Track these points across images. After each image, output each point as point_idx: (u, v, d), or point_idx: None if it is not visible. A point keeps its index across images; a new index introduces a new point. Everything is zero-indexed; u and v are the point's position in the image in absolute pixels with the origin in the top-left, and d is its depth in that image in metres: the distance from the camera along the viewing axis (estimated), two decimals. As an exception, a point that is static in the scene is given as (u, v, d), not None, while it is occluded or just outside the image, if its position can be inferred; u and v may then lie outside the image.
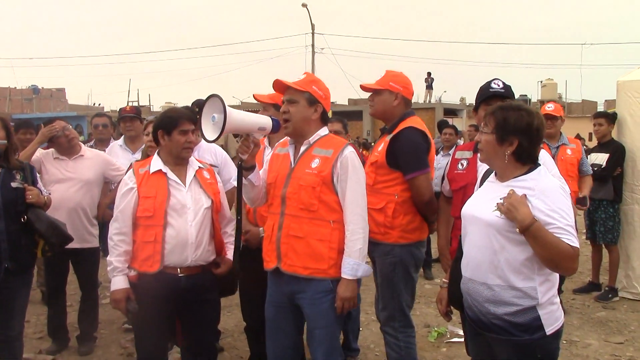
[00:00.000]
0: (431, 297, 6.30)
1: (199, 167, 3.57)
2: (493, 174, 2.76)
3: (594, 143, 6.74)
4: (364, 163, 3.45)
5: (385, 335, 3.80)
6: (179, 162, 3.47)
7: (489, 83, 3.50)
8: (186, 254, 3.35)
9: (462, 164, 3.53)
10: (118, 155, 5.52)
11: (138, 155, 5.15)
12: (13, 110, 38.55)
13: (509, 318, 2.54)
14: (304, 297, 3.14)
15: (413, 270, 3.74)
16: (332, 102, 21.52)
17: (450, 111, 32.35)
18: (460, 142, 8.33)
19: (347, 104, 38.02)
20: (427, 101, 34.41)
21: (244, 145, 3.06)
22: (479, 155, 2.83)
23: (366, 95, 3.95)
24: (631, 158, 6.37)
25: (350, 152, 3.16)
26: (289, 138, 3.32)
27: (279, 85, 3.27)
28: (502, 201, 2.51)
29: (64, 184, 4.66)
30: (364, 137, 27.51)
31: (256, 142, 3.09)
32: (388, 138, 3.68)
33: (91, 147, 5.72)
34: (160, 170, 3.42)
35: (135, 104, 34.10)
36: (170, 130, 3.41)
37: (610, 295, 6.46)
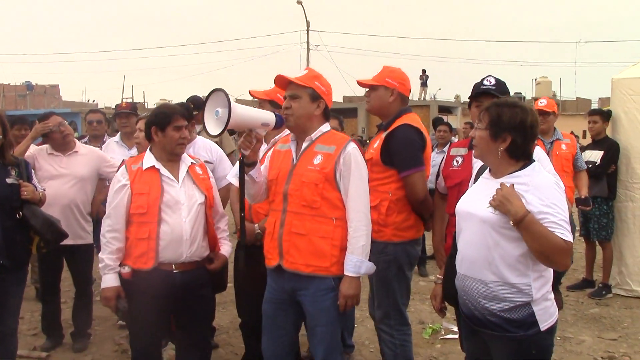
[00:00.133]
0: (425, 294, 6.31)
1: (192, 162, 3.56)
2: (487, 170, 2.77)
3: (587, 140, 6.76)
4: None
5: (381, 332, 3.78)
6: (172, 158, 3.46)
7: (482, 80, 3.50)
8: (181, 250, 3.35)
9: (457, 161, 3.52)
10: (114, 151, 5.50)
11: (134, 152, 5.13)
12: (7, 106, 38.32)
13: (504, 314, 2.55)
14: (305, 294, 3.12)
15: (407, 269, 3.72)
16: (327, 99, 21.39)
17: (445, 109, 32.28)
18: (455, 139, 8.35)
19: (342, 101, 37.97)
20: (422, 99, 34.35)
21: (246, 141, 3.03)
22: (474, 151, 2.83)
23: (361, 92, 3.94)
24: (625, 155, 6.40)
25: (352, 148, 3.14)
26: (290, 134, 3.30)
27: (281, 81, 3.23)
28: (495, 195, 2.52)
29: (58, 180, 4.65)
30: (358, 135, 27.47)
31: (259, 138, 3.06)
32: (384, 135, 3.67)
33: (85, 143, 5.71)
34: (153, 166, 3.41)
35: (130, 100, 33.98)
36: (164, 127, 3.40)
37: (603, 292, 6.49)
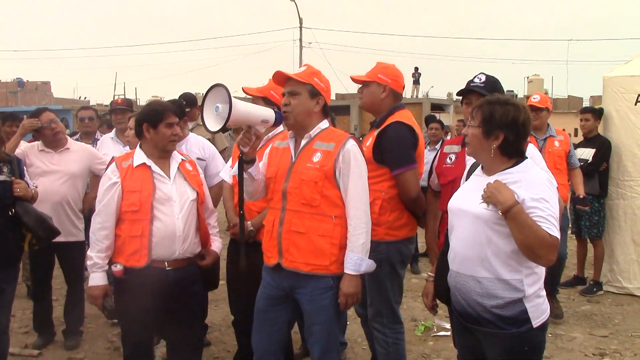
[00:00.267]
0: (418, 291, 6.31)
1: (182, 159, 3.55)
2: (479, 167, 2.77)
3: (579, 138, 6.78)
4: None
5: (374, 331, 3.76)
6: (163, 155, 3.45)
7: (474, 77, 3.49)
8: (174, 247, 3.34)
9: (450, 158, 3.52)
10: (109, 147, 5.48)
11: (129, 148, 5.12)
12: (-3, 103, 38.16)
13: (497, 311, 2.55)
14: (303, 292, 3.10)
15: (400, 267, 3.70)
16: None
17: (437, 106, 32.38)
18: (448, 137, 8.36)
19: (334, 98, 37.97)
20: (415, 96, 34.45)
21: (245, 138, 3.00)
22: (466, 149, 2.84)
23: (353, 89, 3.96)
24: (617, 153, 6.43)
25: (352, 145, 3.11)
26: (288, 131, 3.27)
27: (279, 77, 3.20)
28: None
29: (49, 176, 4.63)
30: (351, 132, 27.50)
31: (258, 135, 3.03)
32: (376, 133, 3.65)
33: (77, 140, 5.68)
34: (144, 163, 3.39)
35: (123, 97, 33.85)
36: (156, 124, 3.39)
37: (595, 289, 6.52)
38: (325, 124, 3.22)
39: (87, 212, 4.85)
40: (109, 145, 5.59)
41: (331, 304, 3.08)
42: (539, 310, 2.58)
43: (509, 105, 2.63)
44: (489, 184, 2.53)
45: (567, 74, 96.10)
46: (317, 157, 3.08)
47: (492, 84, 3.42)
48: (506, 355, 2.60)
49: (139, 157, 3.41)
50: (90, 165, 4.86)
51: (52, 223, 3.86)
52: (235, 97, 2.82)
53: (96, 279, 3.36)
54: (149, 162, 3.40)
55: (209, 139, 4.96)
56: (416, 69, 35.70)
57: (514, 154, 2.63)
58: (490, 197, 2.50)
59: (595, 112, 6.65)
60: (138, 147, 3.49)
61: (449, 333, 4.88)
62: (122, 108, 5.84)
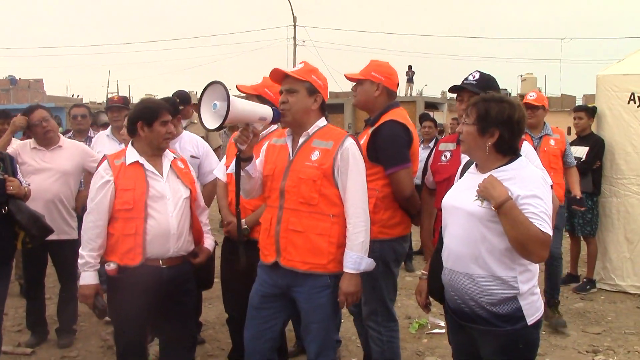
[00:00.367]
0: (412, 289, 6.27)
1: (173, 157, 3.54)
2: (474, 165, 2.77)
3: (572, 137, 6.79)
4: None
5: (368, 329, 3.76)
6: (156, 153, 3.43)
7: (468, 75, 3.49)
8: (168, 245, 3.33)
9: (445, 156, 3.52)
10: (105, 145, 5.45)
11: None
12: (-11, 101, 37.98)
13: (492, 309, 2.56)
14: (300, 291, 3.09)
15: (394, 266, 3.70)
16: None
17: (431, 105, 32.43)
18: (442, 135, 8.37)
19: (328, 96, 37.99)
20: (408, 94, 34.47)
21: (243, 135, 2.98)
22: (461, 147, 2.83)
23: (348, 88, 3.95)
24: (610, 151, 6.46)
25: (350, 143, 3.09)
26: (284, 129, 3.25)
27: (277, 75, 3.18)
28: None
29: (42, 174, 4.60)
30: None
31: (255, 133, 3.01)
32: (370, 131, 3.64)
33: (70, 137, 5.66)
34: (137, 161, 3.37)
35: (116, 94, 33.71)
36: (151, 122, 3.36)
37: (588, 287, 6.55)
38: (323, 121, 3.20)
39: (81, 210, 4.84)
40: (104, 142, 5.56)
41: (328, 302, 3.07)
42: (533, 308, 2.59)
43: (505, 102, 2.63)
44: (483, 179, 2.53)
45: (561, 72, 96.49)
46: (315, 156, 3.06)
47: (485, 81, 3.42)
48: (501, 353, 2.60)
49: (132, 155, 3.39)
50: (84, 163, 4.84)
51: (45, 221, 3.85)
52: (232, 95, 2.81)
53: (87, 278, 3.34)
54: (142, 160, 3.38)
55: (202, 137, 4.95)
56: (410, 67, 35.71)
57: (509, 152, 2.64)
58: (483, 191, 2.51)
59: (589, 111, 6.67)
60: (130, 144, 3.47)
61: (443, 330, 4.89)
62: (118, 106, 5.81)
